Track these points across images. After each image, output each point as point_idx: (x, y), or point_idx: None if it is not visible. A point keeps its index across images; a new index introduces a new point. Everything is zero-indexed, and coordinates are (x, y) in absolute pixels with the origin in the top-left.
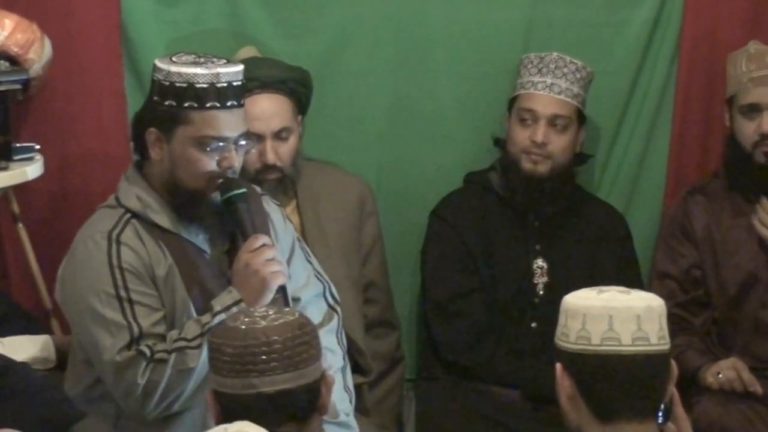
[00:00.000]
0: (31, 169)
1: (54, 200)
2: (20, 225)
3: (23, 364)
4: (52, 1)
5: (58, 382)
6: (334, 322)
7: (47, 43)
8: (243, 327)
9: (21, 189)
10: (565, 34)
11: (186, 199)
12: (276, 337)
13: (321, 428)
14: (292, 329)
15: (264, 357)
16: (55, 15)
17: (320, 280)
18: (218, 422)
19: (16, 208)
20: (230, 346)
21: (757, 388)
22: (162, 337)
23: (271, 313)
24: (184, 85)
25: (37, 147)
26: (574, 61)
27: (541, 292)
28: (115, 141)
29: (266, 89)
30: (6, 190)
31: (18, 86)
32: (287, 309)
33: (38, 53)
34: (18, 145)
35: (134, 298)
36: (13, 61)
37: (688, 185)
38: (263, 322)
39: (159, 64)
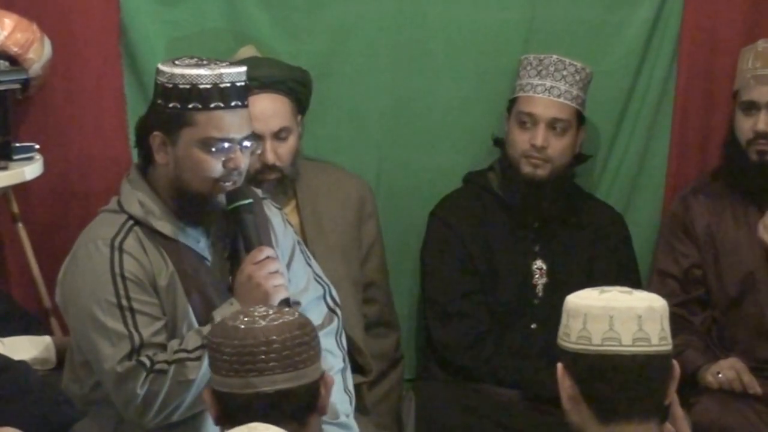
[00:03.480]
0: (30, 169)
1: (54, 200)
2: (20, 225)
3: (22, 363)
4: (51, 1)
5: (57, 382)
6: (334, 324)
7: (47, 43)
8: (242, 326)
9: (21, 189)
10: (565, 34)
11: (191, 203)
12: (275, 337)
13: (320, 429)
14: (291, 329)
15: (263, 357)
16: (55, 15)
17: (320, 283)
18: (217, 422)
19: (15, 207)
20: (229, 346)
21: (757, 389)
22: (162, 347)
23: (270, 312)
24: (188, 86)
25: (37, 147)
26: (574, 62)
27: (541, 293)
28: (114, 140)
29: (266, 89)
30: (6, 189)
31: (18, 86)
32: (287, 309)
33: (38, 53)
34: (18, 144)
35: (136, 307)
36: (13, 60)
37: (687, 185)
38: (263, 322)
39: (162, 67)
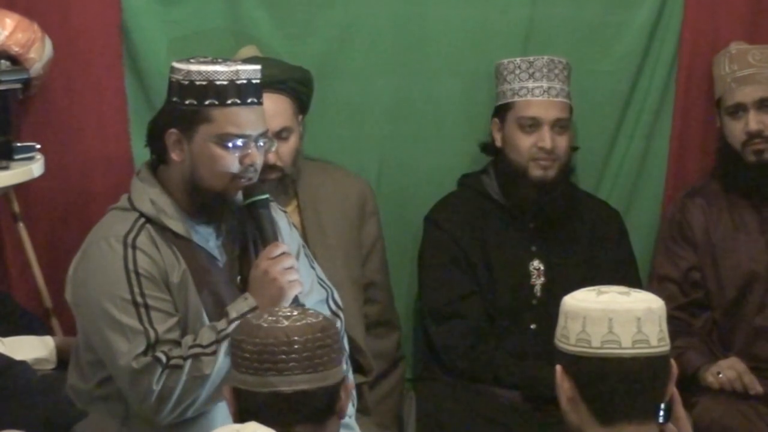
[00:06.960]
0: (31, 169)
1: (55, 200)
2: (21, 224)
3: (23, 364)
4: (52, 1)
5: (58, 382)
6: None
7: (48, 43)
8: (265, 325)
9: (22, 188)
10: (565, 34)
11: (205, 201)
12: (296, 338)
13: None
14: (314, 331)
15: (283, 356)
16: (56, 14)
17: (323, 287)
18: (236, 419)
19: (16, 207)
20: (251, 343)
21: (758, 389)
22: (177, 343)
23: (295, 313)
24: (205, 82)
25: (38, 146)
26: (561, 59)
27: (539, 294)
28: (115, 140)
29: (267, 89)
30: (7, 189)
31: (19, 85)
32: (311, 311)
33: (39, 53)
34: (19, 144)
35: (150, 303)
36: (14, 60)
37: (687, 185)
38: (286, 322)
39: (177, 65)
